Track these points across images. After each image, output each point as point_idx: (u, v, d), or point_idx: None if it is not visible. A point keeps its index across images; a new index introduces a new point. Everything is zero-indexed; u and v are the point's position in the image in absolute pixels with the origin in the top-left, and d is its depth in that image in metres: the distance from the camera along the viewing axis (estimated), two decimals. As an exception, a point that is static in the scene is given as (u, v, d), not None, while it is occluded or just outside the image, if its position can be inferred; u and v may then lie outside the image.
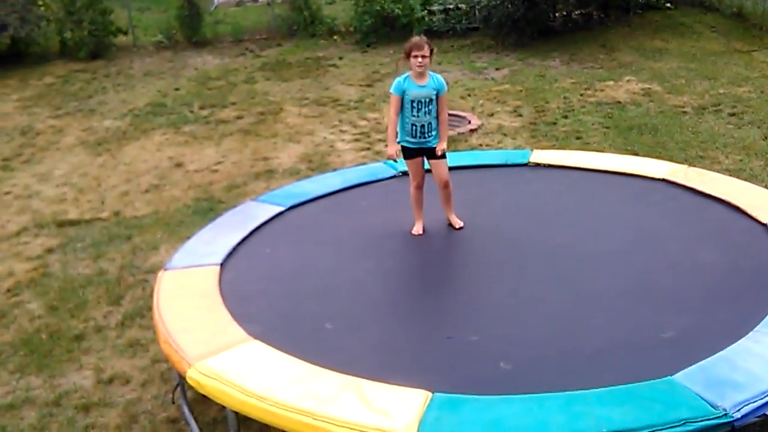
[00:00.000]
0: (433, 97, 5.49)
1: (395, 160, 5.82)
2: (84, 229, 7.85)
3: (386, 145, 9.05)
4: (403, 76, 5.54)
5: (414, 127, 5.52)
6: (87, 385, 5.28)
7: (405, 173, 6.39)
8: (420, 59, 5.38)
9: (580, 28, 14.99)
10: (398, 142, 5.66)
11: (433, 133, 5.57)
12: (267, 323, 4.72)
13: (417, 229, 5.78)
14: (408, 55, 5.43)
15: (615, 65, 12.73)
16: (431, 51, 5.43)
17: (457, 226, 5.76)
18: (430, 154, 5.63)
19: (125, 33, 16.54)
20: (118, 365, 5.48)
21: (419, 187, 5.72)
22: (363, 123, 10.67)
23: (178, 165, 9.55)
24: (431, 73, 5.55)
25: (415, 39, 5.47)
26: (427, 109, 5.48)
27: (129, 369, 5.43)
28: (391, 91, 5.57)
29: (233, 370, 4.16)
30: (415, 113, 5.48)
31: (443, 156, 5.62)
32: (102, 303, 6.34)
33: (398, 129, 5.62)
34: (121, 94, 13.18)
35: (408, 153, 5.65)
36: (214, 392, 4.10)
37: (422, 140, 5.57)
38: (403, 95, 5.47)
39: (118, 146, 10.44)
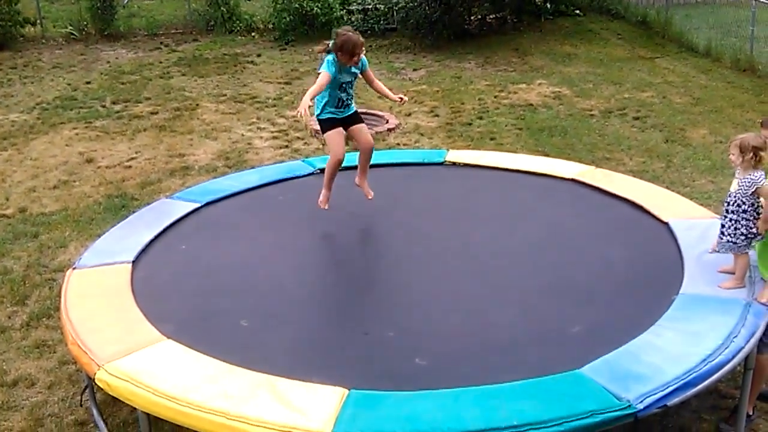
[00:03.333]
0: (358, 75, 5.72)
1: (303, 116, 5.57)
2: (-13, 226, 7.53)
3: (306, 143, 8.93)
4: (332, 56, 5.56)
5: (339, 101, 5.69)
6: (-11, 388, 5.07)
7: (323, 170, 6.38)
8: (361, 56, 5.59)
9: (495, 31, 15.32)
10: (317, 116, 5.76)
11: (351, 101, 5.79)
12: (180, 322, 4.65)
13: (323, 200, 5.87)
14: (350, 54, 5.51)
15: (527, 69, 13.07)
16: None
17: (369, 197, 5.92)
18: (349, 120, 5.77)
19: (33, 24, 15.89)
20: (23, 367, 5.29)
21: (340, 162, 5.77)
22: (281, 121, 10.61)
23: (89, 161, 9.26)
24: None
25: (354, 37, 5.53)
26: (352, 86, 5.73)
27: (34, 371, 5.24)
28: (325, 69, 5.55)
29: (144, 370, 4.07)
30: (342, 91, 5.66)
31: (361, 120, 5.83)
32: (6, 303, 6.10)
33: (316, 103, 5.72)
34: (29, 87, 12.67)
35: (330, 123, 5.73)
36: (125, 393, 4.01)
37: (344, 110, 5.75)
38: (334, 78, 5.57)
39: (25, 141, 10.03)
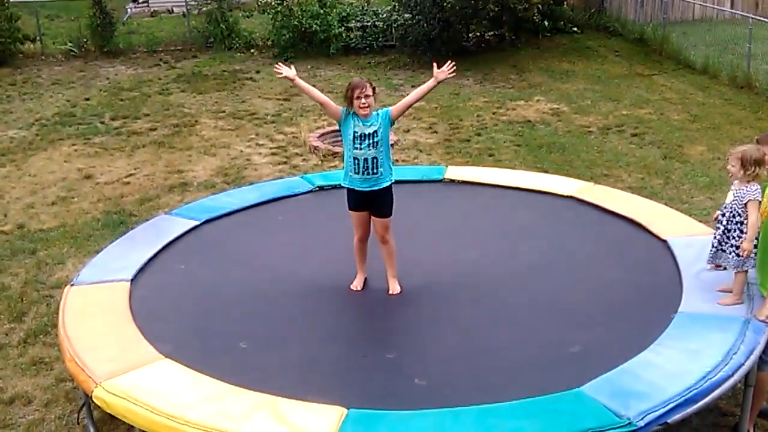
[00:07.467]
0: (378, 129, 4.91)
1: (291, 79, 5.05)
2: (-16, 243, 7.51)
3: (304, 160, 8.74)
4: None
5: (356, 161, 4.94)
6: (-14, 406, 5.04)
7: (322, 188, 6.33)
8: (363, 100, 4.83)
9: (493, 48, 15.40)
10: (342, 183, 5.16)
11: (380, 170, 4.98)
12: (179, 341, 4.62)
13: (356, 284, 5.30)
14: (351, 100, 4.86)
15: (525, 85, 13.12)
16: (373, 89, 4.90)
17: (391, 291, 5.21)
18: (374, 202, 5.08)
19: (33, 40, 15.96)
20: (20, 385, 5.25)
21: (361, 241, 5.25)
22: (280, 137, 10.62)
23: (88, 177, 9.26)
24: (377, 110, 5.00)
25: (355, 80, 4.91)
26: (371, 141, 4.89)
27: (31, 388, 5.21)
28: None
29: (142, 388, 4.05)
30: (357, 145, 4.90)
31: (386, 214, 5.14)
32: (3, 320, 6.06)
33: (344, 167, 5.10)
34: (28, 103, 12.69)
35: (353, 202, 5.12)
36: (122, 411, 3.99)
37: (367, 177, 4.98)
38: (345, 126, 4.95)
39: (24, 157, 10.04)
